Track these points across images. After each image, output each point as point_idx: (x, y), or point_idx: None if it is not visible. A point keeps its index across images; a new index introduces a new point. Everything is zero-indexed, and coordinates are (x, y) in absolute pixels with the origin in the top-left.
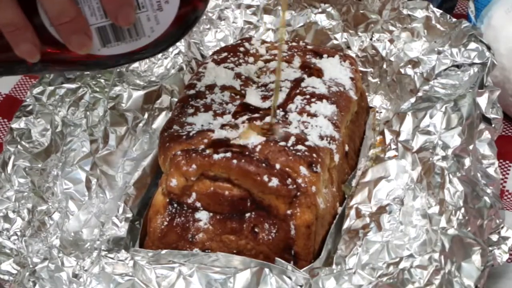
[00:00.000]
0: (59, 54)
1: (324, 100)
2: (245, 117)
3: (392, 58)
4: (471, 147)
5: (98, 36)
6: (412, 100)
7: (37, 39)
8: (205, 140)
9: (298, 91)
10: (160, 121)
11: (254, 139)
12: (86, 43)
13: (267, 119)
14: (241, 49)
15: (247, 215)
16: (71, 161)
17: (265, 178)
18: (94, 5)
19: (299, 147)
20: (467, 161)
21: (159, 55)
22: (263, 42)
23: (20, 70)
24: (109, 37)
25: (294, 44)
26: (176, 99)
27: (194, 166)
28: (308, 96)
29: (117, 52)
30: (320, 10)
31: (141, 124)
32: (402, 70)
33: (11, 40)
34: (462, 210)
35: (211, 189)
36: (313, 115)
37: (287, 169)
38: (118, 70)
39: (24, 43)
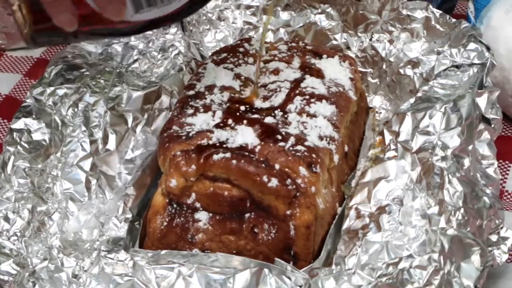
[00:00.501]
0: (94, 22)
1: (324, 101)
2: (244, 117)
3: (391, 59)
4: (470, 147)
5: (131, 2)
6: (412, 100)
7: (75, 9)
8: (205, 141)
9: (297, 91)
10: (160, 121)
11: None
12: (121, 10)
13: (268, 118)
14: (241, 49)
15: (247, 215)
16: (70, 161)
17: (265, 178)
18: None
19: (299, 147)
20: (466, 162)
21: (159, 56)
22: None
23: (56, 39)
24: (141, 3)
25: (293, 44)
26: (175, 100)
27: (193, 166)
28: (307, 97)
29: (149, 17)
30: (319, 10)
31: (140, 125)
32: (401, 71)
33: (50, 10)
34: (462, 210)
35: (211, 190)
36: (312, 116)
37: (286, 169)
38: (117, 70)
39: (63, 12)
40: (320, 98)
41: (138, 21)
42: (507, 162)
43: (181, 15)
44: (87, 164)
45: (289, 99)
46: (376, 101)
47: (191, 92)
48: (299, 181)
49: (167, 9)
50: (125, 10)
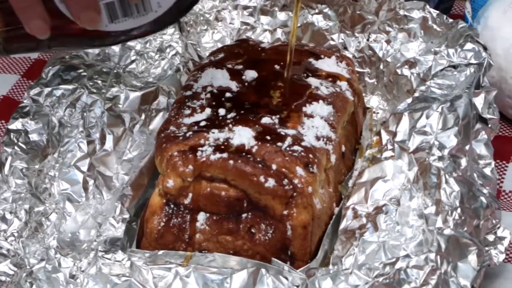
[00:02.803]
0: (67, 30)
1: (321, 101)
2: (242, 117)
3: (388, 59)
4: (467, 147)
5: (106, 12)
6: (409, 100)
7: (47, 16)
8: (202, 141)
9: (294, 92)
10: (157, 122)
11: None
12: (95, 19)
13: (264, 119)
14: (238, 50)
15: (244, 215)
16: (68, 162)
17: (262, 178)
18: None
19: (296, 147)
20: (463, 162)
21: (156, 56)
22: (260, 42)
23: (28, 47)
24: (117, 12)
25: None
26: (173, 100)
27: (190, 167)
28: (304, 97)
29: (124, 28)
30: (317, 11)
31: (138, 125)
32: (398, 71)
33: (21, 16)
34: (458, 210)
35: (208, 190)
36: (309, 116)
37: (283, 169)
38: (115, 71)
39: (35, 19)
40: (317, 98)
41: (113, 31)
42: (504, 162)
43: (158, 27)
44: (84, 165)
45: (286, 99)
46: (373, 101)
47: (188, 93)
48: (296, 181)
49: (143, 20)
50: (99, 19)
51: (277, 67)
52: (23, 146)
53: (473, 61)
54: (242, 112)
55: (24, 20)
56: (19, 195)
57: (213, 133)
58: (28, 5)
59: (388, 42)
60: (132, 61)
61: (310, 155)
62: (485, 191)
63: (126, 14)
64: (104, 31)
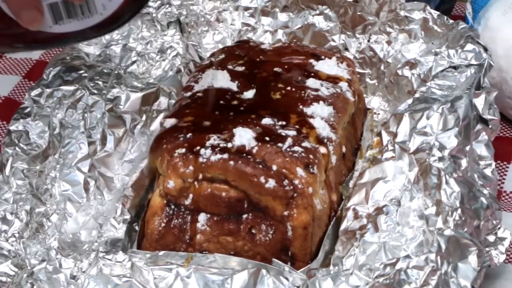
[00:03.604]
0: (10, 30)
1: (321, 102)
2: (242, 118)
3: (389, 60)
4: (467, 148)
5: (50, 12)
6: (409, 101)
7: None
8: (202, 142)
9: (295, 92)
10: (158, 123)
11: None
12: (37, 18)
13: (265, 120)
14: (239, 51)
15: (244, 216)
16: (69, 163)
17: (262, 179)
18: None
19: (296, 148)
20: (463, 162)
21: (157, 57)
22: (261, 43)
23: None
24: (61, 13)
25: (291, 45)
26: (173, 101)
27: (191, 167)
28: (305, 98)
29: (69, 29)
30: (317, 12)
31: (139, 126)
32: (399, 72)
33: None
34: (459, 211)
35: (208, 191)
36: (310, 117)
37: (283, 170)
38: (116, 72)
39: None
40: (317, 99)
41: (58, 33)
42: (504, 162)
43: (104, 30)
44: (85, 166)
45: (286, 100)
46: (374, 102)
47: (189, 94)
48: (296, 182)
49: (88, 22)
50: (41, 19)
51: (277, 68)
52: (24, 147)
53: (473, 62)
54: (242, 113)
55: None
56: (20, 196)
57: (214, 134)
58: None
59: (388, 43)
60: (133, 62)
61: (311, 156)
62: (485, 191)
63: (70, 16)
64: (48, 32)
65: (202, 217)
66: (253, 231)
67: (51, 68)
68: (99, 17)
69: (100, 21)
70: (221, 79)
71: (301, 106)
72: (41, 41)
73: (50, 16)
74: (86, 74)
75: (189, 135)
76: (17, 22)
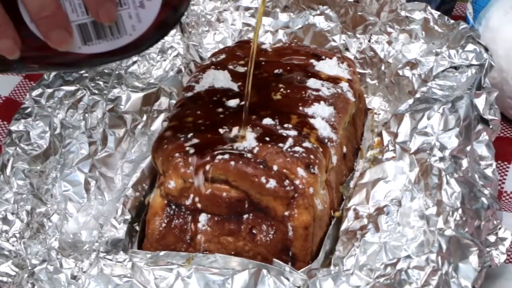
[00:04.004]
0: (39, 51)
1: (322, 102)
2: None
3: (390, 60)
4: (468, 148)
5: (79, 33)
6: (410, 101)
7: (17, 35)
8: (203, 142)
9: (296, 93)
10: (159, 123)
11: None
12: (66, 39)
13: (266, 121)
14: (240, 51)
15: (245, 216)
16: (69, 163)
17: (263, 179)
18: (76, 1)
19: (297, 148)
20: (464, 162)
21: (158, 57)
22: (261, 44)
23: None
24: (90, 34)
25: (292, 45)
26: (174, 101)
27: (191, 168)
28: (306, 98)
29: (98, 50)
30: (318, 12)
31: (139, 126)
32: (400, 72)
33: None
34: (459, 211)
35: (209, 191)
36: (310, 117)
37: (284, 170)
38: (117, 72)
39: (4, 39)
40: (318, 99)
41: (87, 54)
42: (505, 163)
43: (133, 51)
44: (86, 166)
45: (287, 100)
46: (375, 102)
47: (190, 94)
48: (297, 182)
49: (118, 43)
50: (70, 40)
51: (278, 69)
52: (25, 147)
53: (474, 62)
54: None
55: None
56: (21, 196)
57: (214, 134)
58: None
59: (389, 43)
60: (134, 62)
61: (311, 156)
62: (486, 192)
63: (100, 37)
64: (77, 54)
65: (203, 217)
66: (254, 231)
67: None
68: (128, 38)
69: (129, 42)
70: (222, 79)
71: (301, 107)
72: (70, 62)
73: (79, 37)
74: (87, 74)
75: (190, 135)
76: (45, 43)
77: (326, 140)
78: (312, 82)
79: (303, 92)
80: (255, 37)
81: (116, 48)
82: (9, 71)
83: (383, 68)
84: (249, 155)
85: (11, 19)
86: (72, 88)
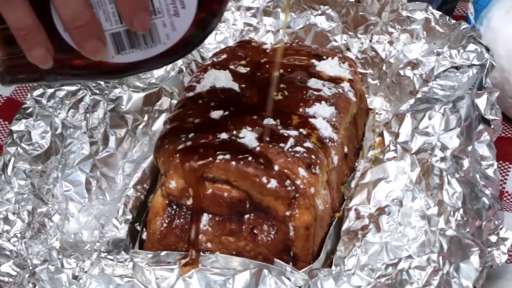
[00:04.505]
0: (71, 61)
1: (323, 102)
2: (244, 119)
3: (391, 60)
4: (469, 148)
5: (112, 42)
6: (411, 101)
7: (50, 45)
8: (204, 142)
9: (297, 93)
10: (160, 123)
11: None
12: (100, 49)
13: (267, 120)
14: (241, 51)
15: (246, 216)
16: (71, 163)
17: (264, 179)
18: (109, 10)
19: (298, 148)
20: (465, 162)
21: None
22: (263, 44)
23: (31, 77)
24: (123, 43)
25: (293, 45)
26: (175, 101)
27: (193, 168)
28: (307, 98)
29: (132, 59)
30: (319, 12)
31: (141, 126)
32: (401, 72)
33: (23, 45)
34: (461, 211)
35: (210, 191)
36: (311, 117)
37: (285, 170)
38: None
39: (37, 48)
40: (319, 99)
41: (120, 63)
42: (507, 163)
43: (167, 60)
44: (87, 166)
45: (288, 100)
46: (376, 102)
47: (191, 94)
48: (298, 182)
49: (151, 52)
50: (104, 49)
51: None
52: (26, 147)
53: (475, 62)
54: (244, 113)
55: (25, 48)
56: (22, 196)
57: (216, 134)
58: (29, 33)
59: (390, 43)
60: None
61: (313, 156)
62: (487, 192)
63: (133, 46)
64: (110, 63)
65: (204, 218)
66: (255, 231)
67: None
68: (162, 46)
69: (163, 51)
70: (223, 79)
71: (303, 107)
72: (102, 71)
73: (112, 46)
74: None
75: (191, 135)
76: (78, 52)
77: (327, 140)
78: (313, 82)
79: (304, 92)
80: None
81: (150, 57)
82: (41, 80)
83: (384, 68)
84: (250, 155)
85: (44, 28)
86: (73, 88)
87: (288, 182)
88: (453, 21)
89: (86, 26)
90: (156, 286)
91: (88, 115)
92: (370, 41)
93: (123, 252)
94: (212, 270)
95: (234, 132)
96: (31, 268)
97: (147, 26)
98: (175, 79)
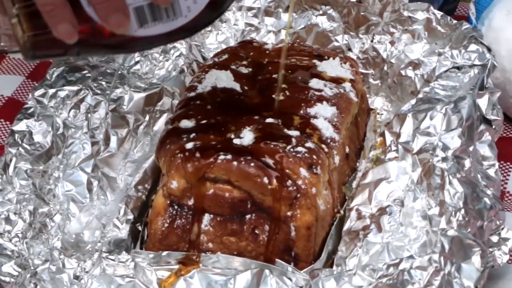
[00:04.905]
0: (95, 35)
1: (325, 102)
2: (245, 119)
3: (393, 60)
4: (471, 148)
5: (135, 16)
6: (413, 101)
7: (75, 20)
8: (206, 142)
9: (298, 93)
10: (161, 123)
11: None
12: (124, 23)
13: (268, 120)
14: (242, 51)
15: (248, 216)
16: (72, 163)
17: (265, 180)
18: None
19: (299, 148)
20: (467, 163)
21: (160, 57)
22: (264, 44)
23: (56, 52)
24: (146, 17)
25: (295, 46)
26: (177, 101)
27: (194, 168)
28: (308, 98)
29: (154, 33)
30: (321, 12)
31: (142, 126)
32: (402, 72)
33: (49, 20)
34: (462, 211)
35: (212, 191)
36: (313, 117)
37: (287, 170)
38: (119, 72)
39: (63, 23)
40: (321, 99)
41: (143, 36)
42: (508, 163)
43: (187, 32)
44: (88, 166)
45: (290, 100)
46: (377, 102)
47: (192, 94)
48: (299, 182)
49: (173, 24)
50: (128, 23)
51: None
52: (28, 147)
53: (477, 62)
54: (246, 113)
55: (51, 24)
56: (24, 196)
57: (217, 134)
58: (55, 8)
59: (392, 43)
60: (136, 62)
61: (314, 156)
62: (489, 192)
63: (155, 19)
64: (133, 36)
65: (206, 218)
66: (257, 231)
67: (55, 68)
68: (183, 19)
69: (184, 24)
70: (225, 80)
71: (304, 107)
72: (125, 45)
73: (135, 20)
74: (89, 74)
75: (192, 135)
76: (103, 26)
77: (328, 140)
78: (314, 83)
79: (305, 93)
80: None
81: (171, 30)
82: (64, 56)
83: (385, 68)
84: (251, 156)
85: (68, 3)
86: (75, 88)
87: (289, 182)
88: (455, 21)
89: (110, 1)
90: (157, 286)
91: (89, 115)
92: (372, 41)
93: (124, 252)
94: (213, 270)
95: (236, 132)
96: (32, 268)
97: None
98: (177, 79)
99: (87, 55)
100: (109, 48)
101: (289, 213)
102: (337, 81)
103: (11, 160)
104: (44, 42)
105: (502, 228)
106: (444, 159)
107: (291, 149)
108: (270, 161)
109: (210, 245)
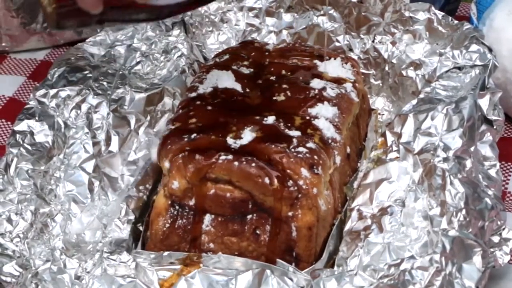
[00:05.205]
0: (120, 5)
1: (326, 102)
2: (246, 119)
3: (394, 60)
4: (472, 148)
5: None
6: (414, 102)
7: None
8: (207, 142)
9: (300, 93)
10: (162, 123)
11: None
12: None
13: (269, 120)
14: (243, 51)
15: (249, 217)
16: (73, 163)
17: (266, 180)
18: None
19: (300, 149)
20: (468, 163)
21: (162, 58)
22: (265, 44)
23: (81, 22)
24: None
25: (296, 46)
26: (178, 102)
27: (195, 168)
28: (309, 98)
29: (174, 1)
30: (322, 12)
31: (143, 127)
32: (404, 72)
33: None
34: (463, 211)
35: (213, 191)
36: (314, 117)
37: (288, 171)
38: (120, 72)
39: None
40: (322, 100)
41: (164, 5)
42: (509, 163)
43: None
44: (89, 166)
45: (291, 101)
46: (378, 102)
47: (193, 94)
48: (300, 182)
49: None
50: None
51: (282, 69)
52: (29, 147)
53: (478, 62)
54: (247, 113)
55: None
56: (25, 197)
57: (218, 134)
58: None
59: (393, 43)
60: (138, 63)
61: (315, 157)
62: (490, 192)
63: None
64: (155, 5)
65: (207, 218)
66: (258, 231)
67: (56, 69)
68: None
69: None
70: (226, 80)
71: (305, 107)
72: (148, 14)
73: None
74: (90, 75)
75: (193, 135)
76: None
77: (330, 141)
78: (315, 83)
79: (307, 93)
80: None
81: None
82: (88, 26)
83: (386, 68)
84: (252, 156)
85: None
86: (76, 88)
87: (290, 182)
88: (456, 22)
89: None
90: (159, 286)
91: (90, 115)
92: (373, 41)
93: (125, 252)
94: (214, 270)
95: (237, 133)
96: (33, 268)
97: None
98: (178, 79)
99: (110, 25)
100: (132, 16)
101: (290, 214)
102: (338, 81)
103: (12, 160)
104: (70, 12)
105: (503, 229)
106: (445, 160)
107: (292, 150)
108: (271, 162)
109: (211, 245)
